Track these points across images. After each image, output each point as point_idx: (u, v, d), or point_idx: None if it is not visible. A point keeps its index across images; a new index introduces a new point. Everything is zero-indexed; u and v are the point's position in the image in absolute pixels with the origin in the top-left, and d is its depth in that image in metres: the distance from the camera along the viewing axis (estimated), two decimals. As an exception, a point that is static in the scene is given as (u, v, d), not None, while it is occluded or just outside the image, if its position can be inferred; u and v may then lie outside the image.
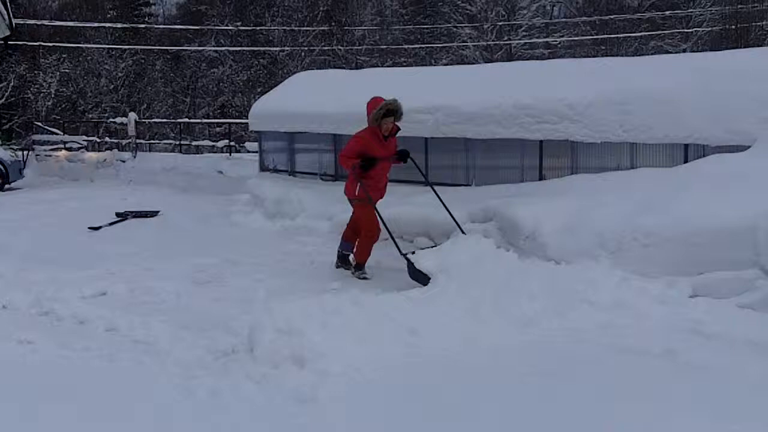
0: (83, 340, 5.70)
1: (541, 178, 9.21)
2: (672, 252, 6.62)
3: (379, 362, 5.02)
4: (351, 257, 8.10)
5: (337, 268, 8.16)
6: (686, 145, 8.25)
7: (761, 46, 28.98)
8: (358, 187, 7.69)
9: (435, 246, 7.66)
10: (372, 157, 7.58)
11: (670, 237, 6.68)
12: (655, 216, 6.91)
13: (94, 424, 4.22)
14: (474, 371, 4.90)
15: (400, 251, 7.20)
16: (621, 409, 4.22)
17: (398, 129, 7.84)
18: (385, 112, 7.59)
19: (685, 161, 8.21)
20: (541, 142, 9.13)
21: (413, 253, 7.14)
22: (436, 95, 10.06)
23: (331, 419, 4.23)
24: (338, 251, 8.19)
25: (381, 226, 7.67)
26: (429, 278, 6.71)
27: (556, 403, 4.37)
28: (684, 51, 33.39)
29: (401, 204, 9.04)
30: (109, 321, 6.16)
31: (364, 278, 7.76)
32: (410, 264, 6.99)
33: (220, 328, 5.73)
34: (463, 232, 7.64)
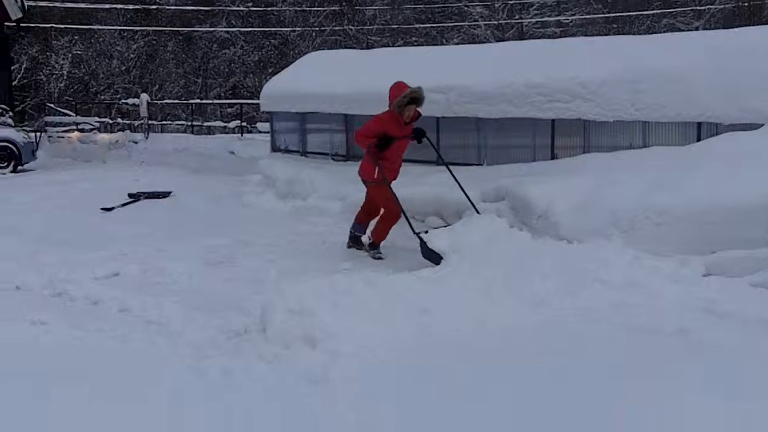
0: (96, 320, 5.73)
1: (553, 157, 9.17)
2: (685, 231, 6.59)
3: (391, 342, 5.02)
4: (363, 238, 8.10)
5: (348, 248, 8.16)
6: (699, 124, 8.19)
7: (776, 22, 28.66)
8: (376, 170, 7.64)
9: (447, 225, 7.65)
10: (388, 136, 7.54)
11: (682, 216, 6.65)
12: (667, 194, 6.87)
13: (107, 404, 4.25)
14: (486, 351, 4.91)
15: (413, 230, 7.20)
16: (633, 388, 4.21)
17: (419, 115, 7.80)
18: (409, 100, 7.56)
19: (698, 140, 8.15)
20: (553, 121, 9.09)
21: (426, 232, 7.14)
22: (447, 75, 10.01)
23: (342, 399, 4.25)
24: (350, 232, 8.20)
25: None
26: (441, 258, 6.71)
27: (568, 382, 4.36)
28: (696, 29, 33.05)
29: (414, 184, 9.02)
30: (122, 302, 6.19)
31: (379, 258, 7.76)
32: (423, 243, 6.99)
33: (232, 308, 5.74)
34: (477, 212, 7.63)
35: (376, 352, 4.87)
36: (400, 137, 7.69)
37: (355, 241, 8.17)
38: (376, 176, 7.66)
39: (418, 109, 7.71)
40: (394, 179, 7.88)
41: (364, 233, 8.09)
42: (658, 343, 4.94)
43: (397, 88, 7.65)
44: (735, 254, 6.34)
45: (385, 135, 7.55)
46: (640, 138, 8.57)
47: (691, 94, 8.14)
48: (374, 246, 7.91)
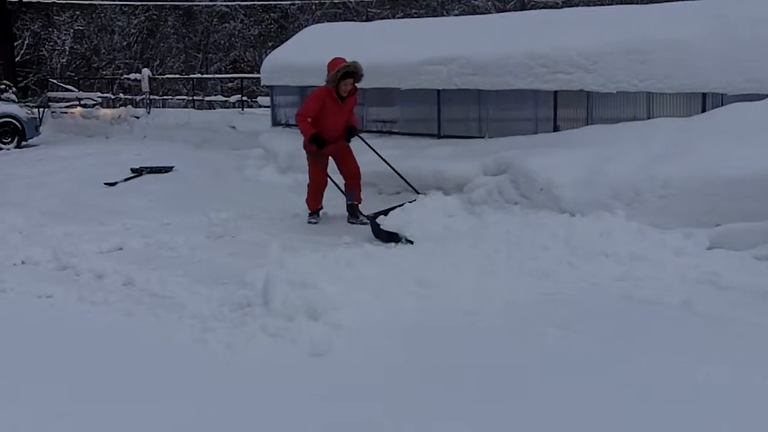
0: (101, 294, 5.74)
1: (556, 129, 9.13)
2: (689, 203, 6.57)
3: (392, 315, 5.05)
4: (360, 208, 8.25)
5: (348, 222, 8.24)
6: (704, 95, 8.14)
7: (781, -7, 28.36)
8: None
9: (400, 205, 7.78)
10: (324, 140, 7.85)
11: (687, 188, 6.63)
12: (671, 167, 6.84)
13: (112, 376, 4.27)
14: (489, 324, 4.91)
15: (362, 214, 7.72)
16: (638, 361, 4.22)
17: (356, 90, 8.07)
18: (343, 74, 7.77)
19: (703, 111, 8.10)
20: (555, 92, 9.04)
21: (375, 216, 7.39)
22: (448, 47, 9.95)
23: (345, 372, 4.26)
24: (347, 205, 8.34)
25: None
26: (395, 235, 6.93)
27: (573, 355, 4.37)
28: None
29: (414, 157, 9.00)
30: (126, 275, 6.20)
31: (313, 223, 8.22)
32: (375, 225, 7.22)
33: (234, 281, 5.75)
34: (417, 192, 8.02)
35: (378, 324, 4.89)
36: (332, 141, 7.99)
37: (353, 214, 8.24)
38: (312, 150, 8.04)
39: (357, 84, 7.98)
40: (336, 151, 8.24)
41: (353, 200, 8.26)
42: (663, 316, 4.94)
43: (333, 62, 7.93)
44: (739, 227, 6.31)
45: (322, 112, 7.83)
46: (643, 109, 8.52)
47: (696, 65, 8.09)
48: (310, 213, 8.32)
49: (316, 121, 7.90)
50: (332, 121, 7.97)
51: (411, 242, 6.79)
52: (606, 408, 3.71)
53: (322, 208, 8.42)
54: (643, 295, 5.33)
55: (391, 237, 6.98)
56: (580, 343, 4.52)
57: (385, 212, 7.46)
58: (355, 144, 8.36)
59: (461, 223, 7.14)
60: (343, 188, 8.16)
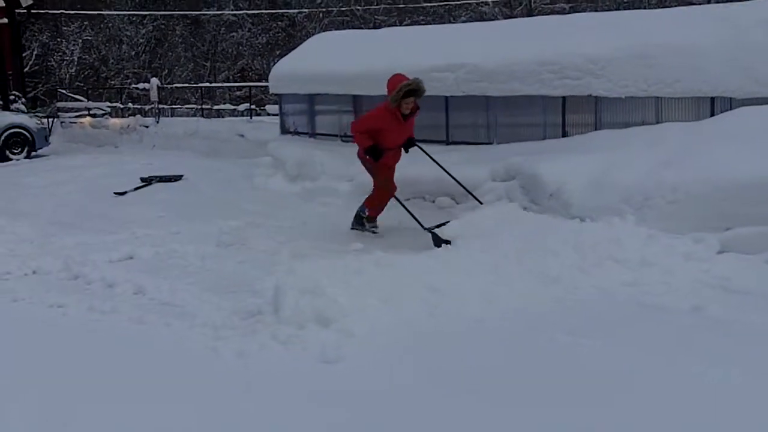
0: (112, 303, 5.77)
1: (564, 134, 9.13)
2: (699, 208, 6.54)
3: (402, 322, 5.04)
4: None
5: (351, 229, 8.18)
6: (712, 99, 8.13)
7: (789, -4, 28.30)
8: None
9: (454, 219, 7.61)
10: (381, 149, 7.58)
11: (696, 192, 6.60)
12: (681, 171, 6.82)
13: (123, 385, 4.28)
14: (499, 330, 4.91)
15: (422, 226, 7.27)
16: (649, 366, 4.21)
17: (418, 108, 7.73)
18: (406, 92, 7.44)
19: (711, 115, 8.09)
20: (563, 98, 9.04)
21: (434, 228, 7.14)
22: (455, 53, 9.97)
23: (356, 379, 4.26)
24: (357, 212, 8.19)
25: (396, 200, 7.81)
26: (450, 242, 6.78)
27: (583, 361, 4.37)
28: (709, 2, 32.74)
29: (423, 164, 9.00)
30: (137, 284, 6.22)
31: (375, 232, 7.93)
32: (434, 236, 6.99)
33: (245, 289, 5.77)
34: (479, 202, 7.77)
35: (388, 332, 4.89)
36: (391, 148, 7.74)
37: (359, 223, 8.11)
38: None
39: (417, 101, 7.63)
40: (392, 164, 7.96)
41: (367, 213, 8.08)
42: (674, 321, 4.92)
43: (394, 80, 7.54)
44: (750, 231, 6.29)
45: (381, 130, 7.54)
46: (652, 114, 8.52)
47: (704, 69, 8.08)
48: (370, 219, 8.04)
49: (375, 136, 7.63)
50: (393, 139, 7.73)
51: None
52: (616, 413, 3.70)
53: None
54: (654, 301, 5.31)
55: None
56: (590, 349, 4.51)
57: (438, 226, 7.29)
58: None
59: (471, 229, 7.12)
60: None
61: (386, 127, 7.56)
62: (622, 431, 3.54)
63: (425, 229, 7.20)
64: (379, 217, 8.11)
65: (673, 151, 7.16)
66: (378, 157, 7.61)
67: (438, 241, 6.91)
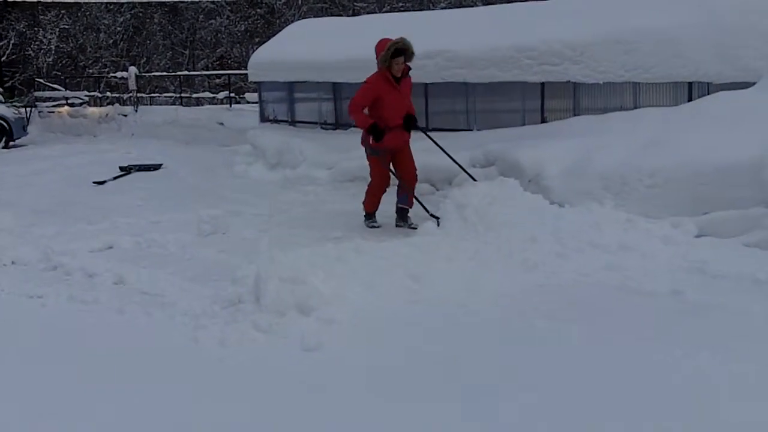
0: (92, 293, 5.74)
1: (543, 120, 9.15)
2: (677, 192, 6.60)
3: (384, 309, 5.06)
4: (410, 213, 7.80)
5: (397, 227, 7.73)
6: (690, 84, 8.19)
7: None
8: (371, 138, 7.40)
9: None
10: (382, 128, 7.28)
11: (674, 177, 6.66)
12: (659, 156, 6.88)
13: (104, 375, 4.28)
14: (479, 316, 4.93)
15: (428, 212, 7.19)
16: (628, 350, 4.26)
17: (410, 69, 7.49)
18: (394, 51, 7.24)
19: (689, 100, 8.15)
20: (542, 84, 9.06)
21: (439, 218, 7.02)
22: (435, 40, 9.95)
23: (336, 367, 4.28)
24: (396, 206, 7.80)
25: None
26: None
27: (563, 345, 4.40)
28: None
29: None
30: (117, 274, 6.20)
31: (374, 227, 7.65)
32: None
33: (225, 278, 5.76)
34: (473, 179, 7.58)
35: (370, 318, 4.91)
36: (393, 127, 7.38)
37: (402, 218, 7.77)
38: (371, 143, 7.41)
39: (408, 63, 7.40)
40: (398, 146, 7.55)
41: (406, 204, 7.70)
42: (652, 305, 4.97)
43: (381, 44, 7.34)
44: (727, 214, 6.36)
45: (378, 98, 7.30)
46: (630, 99, 8.57)
47: (682, 54, 8.13)
48: (368, 216, 7.78)
49: (374, 111, 7.36)
50: (391, 109, 7.37)
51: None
52: (596, 398, 3.73)
53: (377, 209, 7.83)
54: (633, 285, 5.36)
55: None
56: (570, 333, 4.55)
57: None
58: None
59: (452, 216, 7.13)
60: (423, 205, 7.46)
61: (383, 94, 7.30)
62: (601, 415, 3.57)
63: (430, 215, 7.10)
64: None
65: (651, 136, 7.21)
66: (380, 136, 7.29)
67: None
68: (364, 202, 7.79)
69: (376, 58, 7.36)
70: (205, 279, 5.96)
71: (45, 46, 27.90)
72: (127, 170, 11.81)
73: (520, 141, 8.23)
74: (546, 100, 9.12)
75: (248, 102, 18.92)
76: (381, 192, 7.67)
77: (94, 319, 5.26)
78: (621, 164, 6.96)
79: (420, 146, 7.80)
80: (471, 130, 9.71)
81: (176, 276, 6.12)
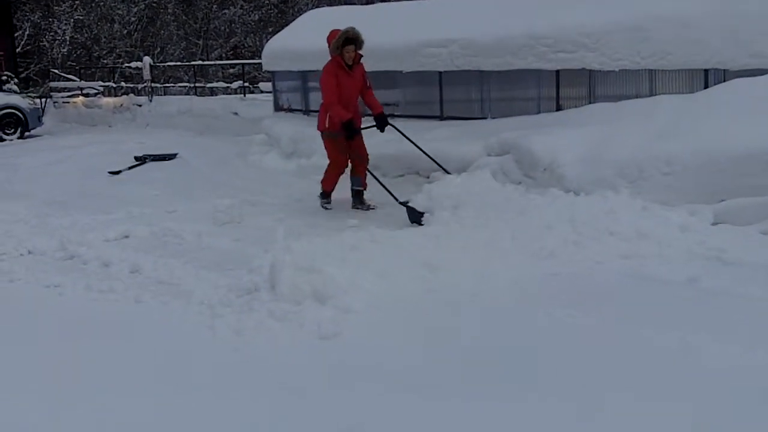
0: (108, 282, 5.77)
1: (558, 108, 9.11)
2: (693, 179, 6.56)
3: (399, 297, 5.06)
4: (366, 195, 8.19)
5: (353, 208, 8.18)
6: (706, 71, 8.11)
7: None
8: (327, 120, 7.92)
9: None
10: (355, 129, 7.75)
11: (691, 164, 6.62)
12: (675, 143, 6.83)
13: (121, 364, 4.30)
14: (495, 305, 4.92)
15: (396, 199, 7.38)
16: (645, 338, 4.24)
17: (361, 57, 7.92)
18: (344, 40, 7.72)
19: (705, 87, 8.07)
20: (557, 71, 9.01)
21: (408, 201, 7.23)
22: (449, 28, 9.92)
23: (353, 354, 4.29)
24: (351, 190, 8.24)
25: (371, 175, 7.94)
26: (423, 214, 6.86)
27: (580, 333, 4.39)
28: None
29: (417, 139, 8.97)
30: (133, 263, 6.23)
31: (326, 208, 8.14)
32: (409, 210, 7.10)
33: (241, 267, 5.77)
34: (447, 172, 7.78)
35: (385, 306, 4.91)
36: (349, 82, 7.87)
37: (359, 200, 8.19)
38: (327, 125, 7.92)
39: (359, 52, 7.85)
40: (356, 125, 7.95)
41: (360, 186, 8.17)
42: (669, 293, 4.94)
43: (331, 34, 7.90)
44: (744, 202, 6.32)
45: (338, 84, 7.74)
46: (646, 87, 8.49)
47: (698, 41, 8.05)
48: (323, 194, 8.22)
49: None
50: (346, 93, 7.87)
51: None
52: (613, 386, 3.72)
53: (333, 190, 8.30)
54: (649, 273, 5.33)
55: (420, 217, 6.93)
56: (586, 321, 4.54)
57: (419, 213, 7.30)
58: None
59: (466, 204, 7.12)
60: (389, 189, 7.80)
61: (341, 80, 7.78)
62: (617, 406, 3.56)
63: (400, 203, 7.30)
64: (371, 193, 8.10)
65: (667, 124, 7.16)
66: (352, 133, 7.74)
67: (414, 215, 6.99)
68: (322, 181, 8.23)
69: (328, 46, 7.87)
70: (220, 268, 5.98)
71: (59, 37, 27.98)
72: (142, 160, 11.84)
73: (534, 129, 8.18)
74: (561, 87, 9.07)
75: (262, 91, 18.88)
76: (339, 172, 8.17)
77: (110, 308, 5.30)
78: (637, 152, 6.92)
79: (436, 135, 7.84)
80: (485, 118, 9.67)
81: (192, 265, 6.14)
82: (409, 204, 7.17)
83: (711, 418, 3.38)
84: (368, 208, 8.05)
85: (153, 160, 11.89)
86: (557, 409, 3.54)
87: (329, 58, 7.92)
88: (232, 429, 3.55)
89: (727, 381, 3.70)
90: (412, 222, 7.01)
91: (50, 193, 9.70)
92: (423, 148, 8.12)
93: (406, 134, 8.19)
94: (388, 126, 8.11)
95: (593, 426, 3.39)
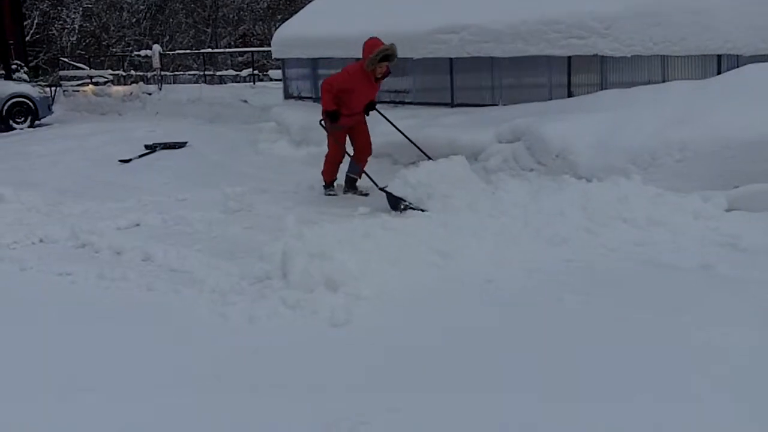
0: (120, 270, 5.77)
1: (570, 95, 9.06)
2: (706, 166, 6.53)
3: (411, 284, 5.06)
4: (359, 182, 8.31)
5: (344, 194, 8.30)
6: (719, 56, 8.06)
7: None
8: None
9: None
10: (339, 115, 7.79)
11: (704, 151, 6.58)
12: (688, 130, 6.79)
13: (134, 352, 4.31)
14: (508, 292, 4.91)
15: (376, 185, 7.43)
16: (660, 324, 4.23)
17: (389, 72, 7.97)
18: (382, 57, 7.68)
19: (718, 73, 8.04)
20: (569, 58, 8.95)
21: (386, 186, 7.26)
22: (460, 14, 9.87)
23: (366, 341, 4.28)
24: (346, 176, 8.36)
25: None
26: (403, 201, 6.95)
27: (594, 320, 4.38)
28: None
29: (428, 126, 8.96)
30: (145, 251, 6.22)
31: (331, 195, 8.22)
32: (389, 195, 7.14)
33: (252, 255, 5.76)
34: (428, 158, 7.80)
35: (397, 294, 4.91)
36: (366, 93, 7.94)
37: (351, 186, 8.30)
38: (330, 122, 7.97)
39: (389, 65, 7.86)
40: (355, 123, 8.12)
41: (356, 174, 8.28)
42: (683, 279, 4.93)
43: (371, 43, 7.78)
44: (758, 188, 6.29)
45: (351, 90, 7.75)
46: (658, 73, 8.45)
47: (711, 26, 8.00)
48: (326, 185, 8.30)
49: (344, 94, 7.83)
50: (360, 99, 7.96)
51: (423, 210, 6.77)
52: (627, 373, 3.71)
53: (335, 179, 8.40)
54: (662, 260, 5.32)
55: (398, 203, 6.99)
56: (599, 308, 4.52)
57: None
58: (371, 115, 8.31)
59: (477, 191, 7.10)
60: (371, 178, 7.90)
61: (357, 88, 7.81)
62: (631, 392, 3.54)
63: (380, 188, 7.35)
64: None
65: (680, 110, 7.12)
66: (334, 121, 7.82)
67: (393, 201, 7.06)
68: (323, 172, 8.31)
69: (363, 55, 7.80)
70: (232, 256, 5.98)
71: (68, 26, 28.01)
72: (152, 148, 11.85)
73: (546, 115, 8.14)
74: (573, 74, 9.01)
75: (272, 79, 18.89)
76: (338, 162, 8.26)
77: (122, 296, 5.30)
78: (649, 138, 6.88)
79: (447, 122, 7.81)
80: (497, 105, 9.63)
81: (203, 253, 6.14)
82: (387, 189, 7.21)
83: (723, 403, 3.36)
84: (361, 193, 8.15)
85: (163, 148, 11.90)
86: (576, 395, 3.53)
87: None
88: (240, 421, 3.55)
89: (740, 363, 3.69)
90: (392, 209, 7.07)
91: (61, 182, 9.72)
92: (409, 135, 8.24)
93: (401, 125, 8.31)
94: (376, 111, 8.29)
95: (604, 414, 3.38)
